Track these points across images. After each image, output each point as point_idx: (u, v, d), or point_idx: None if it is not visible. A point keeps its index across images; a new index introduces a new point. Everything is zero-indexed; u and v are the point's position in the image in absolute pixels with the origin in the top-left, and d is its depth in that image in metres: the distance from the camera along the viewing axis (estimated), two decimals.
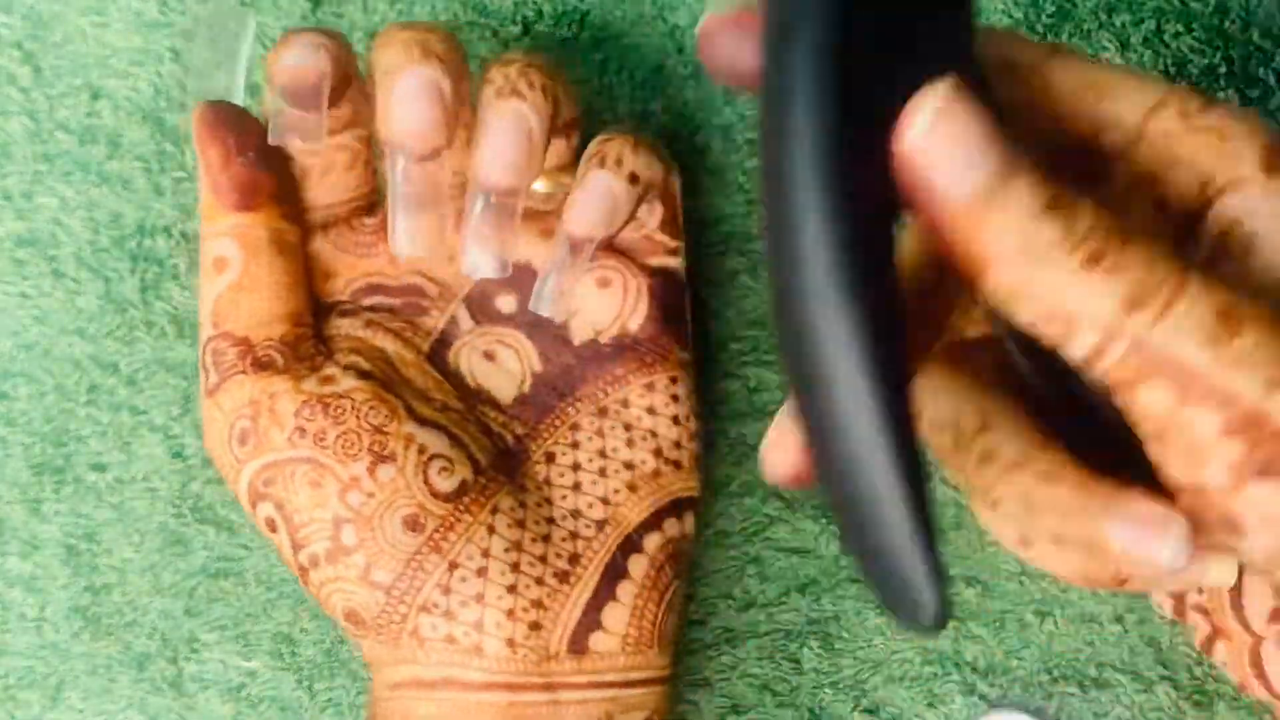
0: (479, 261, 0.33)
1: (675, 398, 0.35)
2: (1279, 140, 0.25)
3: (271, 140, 0.33)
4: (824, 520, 0.38)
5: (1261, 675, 0.32)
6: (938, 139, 0.22)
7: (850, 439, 0.21)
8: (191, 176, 0.39)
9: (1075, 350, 0.23)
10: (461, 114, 0.33)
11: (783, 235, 0.21)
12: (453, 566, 0.33)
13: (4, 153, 0.39)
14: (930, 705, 0.38)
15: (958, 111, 0.22)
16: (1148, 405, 0.23)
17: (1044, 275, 0.22)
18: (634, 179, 0.33)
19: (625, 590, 0.34)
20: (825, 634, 0.38)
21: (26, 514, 0.39)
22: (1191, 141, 0.25)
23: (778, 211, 0.21)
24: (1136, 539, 0.24)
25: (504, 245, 0.33)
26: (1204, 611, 0.33)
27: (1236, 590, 0.32)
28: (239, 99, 0.34)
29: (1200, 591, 0.33)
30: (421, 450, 0.33)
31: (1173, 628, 0.38)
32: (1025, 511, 0.25)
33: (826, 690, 0.38)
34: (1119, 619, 0.38)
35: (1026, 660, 0.38)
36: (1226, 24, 0.39)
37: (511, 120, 0.32)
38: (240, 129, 0.33)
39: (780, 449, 0.25)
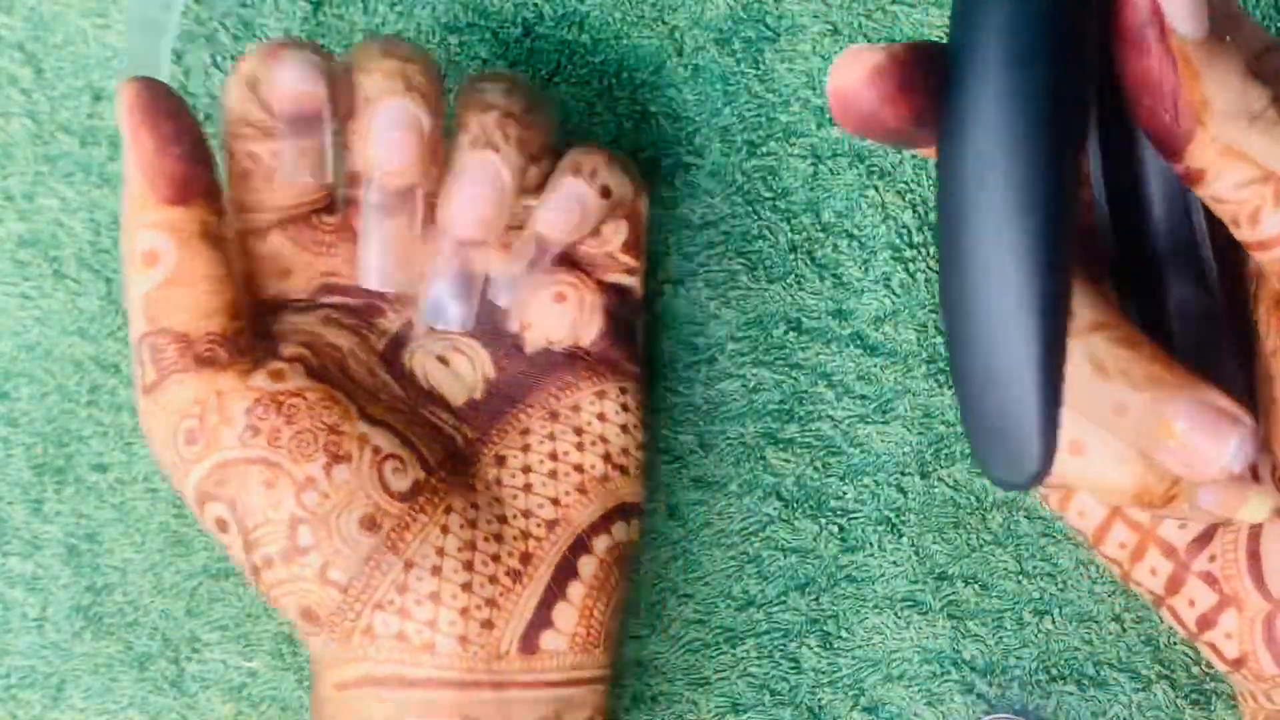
0: (443, 311, 0.34)
1: (625, 407, 0.36)
2: None
3: (280, 178, 0.33)
4: (823, 520, 0.39)
5: (1273, 642, 0.31)
6: None
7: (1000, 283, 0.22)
8: None
9: (1269, 227, 0.23)
10: (437, 151, 0.33)
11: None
12: (409, 565, 0.33)
13: (6, 154, 0.39)
14: (929, 704, 0.38)
15: None
16: None
17: (1259, 139, 0.23)
18: (606, 192, 0.34)
19: (575, 590, 0.34)
20: (824, 633, 0.38)
21: (28, 514, 0.39)
22: None
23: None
24: (1204, 426, 0.24)
25: (470, 299, 0.34)
26: (1211, 580, 0.32)
27: (1255, 556, 0.32)
28: (165, 75, 0.33)
29: (1212, 559, 0.32)
30: (376, 450, 0.33)
31: (1170, 627, 0.38)
32: (1094, 376, 0.25)
33: (825, 689, 0.38)
34: (1117, 618, 0.38)
35: (1025, 659, 0.38)
36: None
37: (484, 174, 0.33)
38: (176, 116, 0.32)
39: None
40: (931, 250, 0.39)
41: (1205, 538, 0.32)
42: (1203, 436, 0.24)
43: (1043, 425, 0.22)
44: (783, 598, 0.38)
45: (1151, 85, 0.23)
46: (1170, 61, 0.23)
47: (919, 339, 0.39)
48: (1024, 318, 0.22)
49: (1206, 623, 0.33)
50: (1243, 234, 0.25)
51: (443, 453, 0.35)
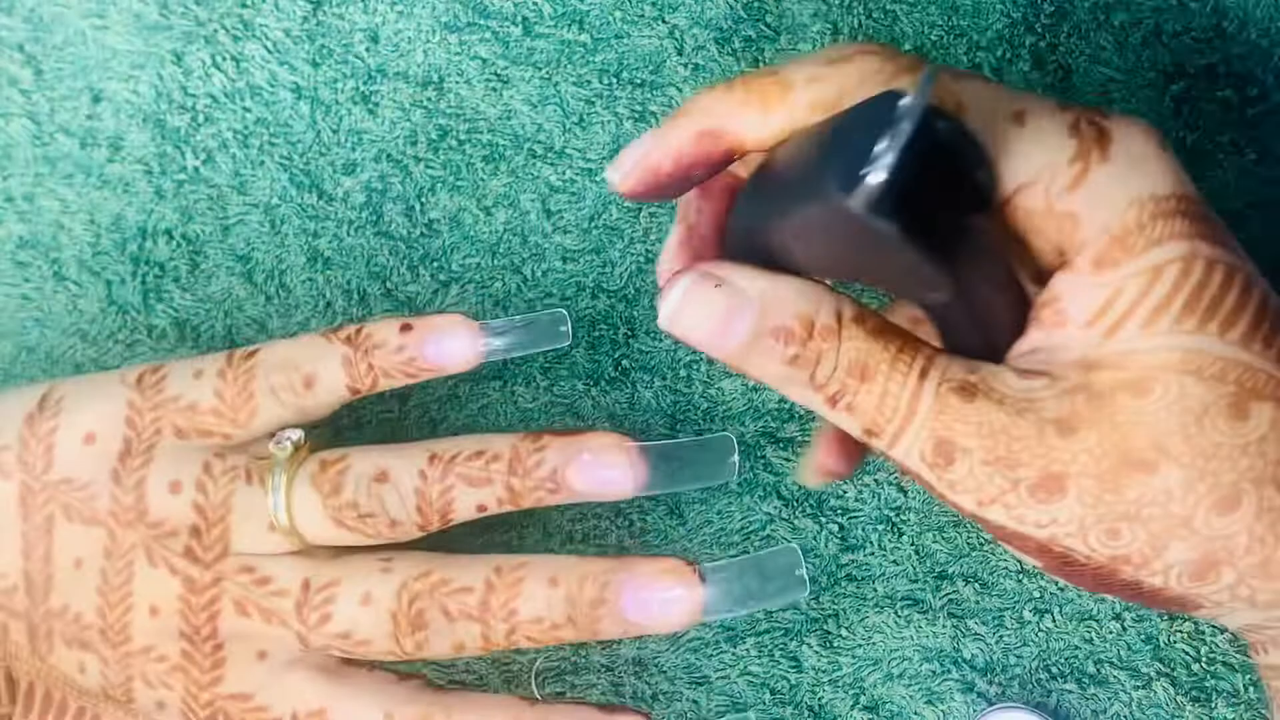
0: None
1: None
2: (1123, 232, 0.28)
3: None
4: (824, 519, 0.39)
5: None
6: (684, 318, 0.29)
7: None
8: (193, 179, 0.39)
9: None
10: None
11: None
12: None
13: (6, 155, 0.39)
14: (929, 703, 0.38)
15: (697, 297, 0.29)
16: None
17: (806, 400, 0.30)
18: None
19: None
20: (824, 632, 0.38)
21: None
22: (1046, 223, 0.29)
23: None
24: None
25: None
26: None
27: None
28: None
29: None
30: None
31: (1170, 625, 0.38)
32: None
33: (826, 688, 0.38)
34: (1117, 616, 0.38)
35: (1025, 658, 0.38)
36: (1225, 23, 0.39)
37: None
38: None
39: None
40: None
41: None
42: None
43: None
44: None
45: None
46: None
47: None
48: None
49: None
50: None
51: None
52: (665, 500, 0.39)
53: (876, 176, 0.25)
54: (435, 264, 0.39)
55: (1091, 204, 0.29)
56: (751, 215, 0.31)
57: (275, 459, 0.33)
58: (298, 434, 0.34)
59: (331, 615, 0.32)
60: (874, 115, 0.26)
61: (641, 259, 0.39)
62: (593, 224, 0.40)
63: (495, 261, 0.39)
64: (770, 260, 0.29)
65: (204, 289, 0.39)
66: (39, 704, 0.34)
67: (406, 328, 0.34)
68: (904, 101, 0.25)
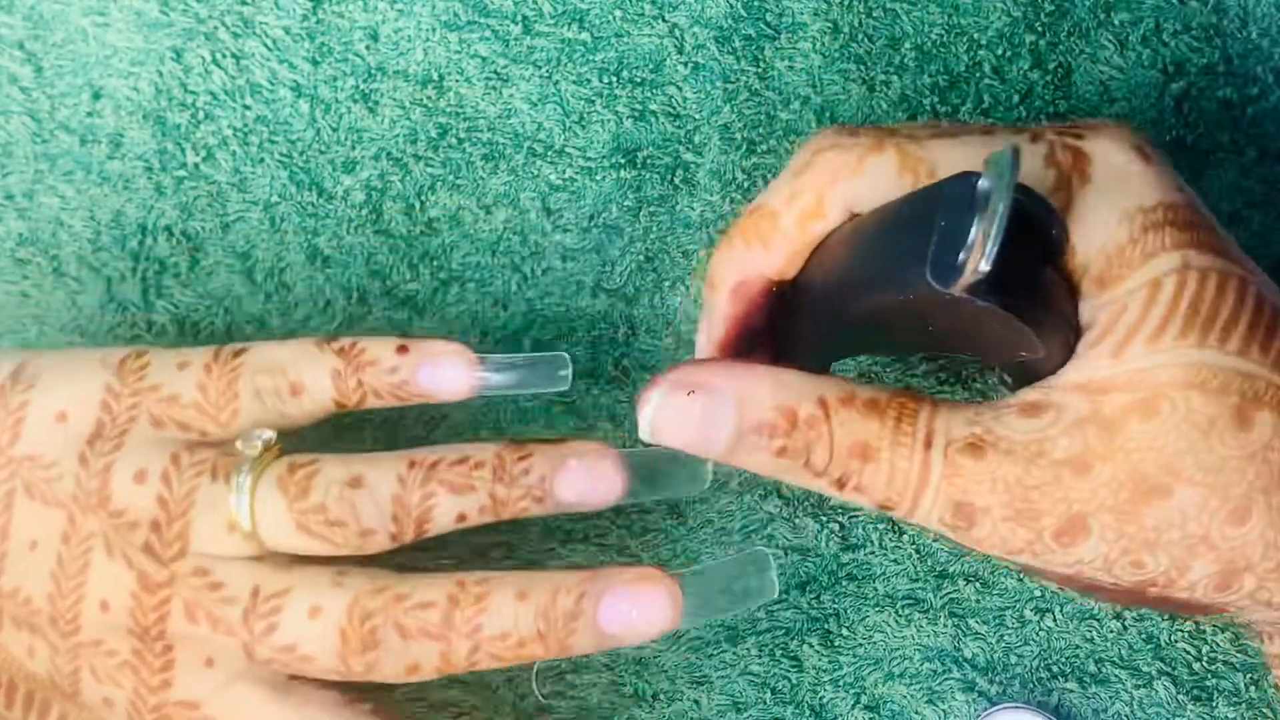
0: None
1: None
2: (1118, 249, 0.29)
3: None
4: (824, 518, 0.39)
5: None
6: (663, 430, 0.29)
7: None
8: (193, 176, 0.39)
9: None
10: None
11: None
12: None
13: (6, 152, 0.39)
14: (930, 702, 0.38)
15: (672, 407, 0.29)
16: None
17: (813, 486, 0.30)
18: None
19: None
20: (825, 631, 0.38)
21: None
22: None
23: None
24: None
25: None
26: None
27: None
28: None
29: None
30: None
31: (1171, 624, 0.38)
32: None
33: (827, 687, 0.38)
34: (1118, 615, 0.38)
35: (1026, 657, 0.38)
36: (1224, 22, 0.39)
37: None
38: None
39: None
40: None
41: None
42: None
43: None
44: (784, 596, 0.38)
45: None
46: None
47: None
48: None
49: None
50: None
51: None
52: (665, 499, 0.39)
53: (983, 265, 0.26)
54: (435, 262, 0.39)
55: (1084, 227, 0.29)
56: (827, 312, 0.31)
57: (244, 457, 0.32)
58: (269, 434, 0.33)
59: (278, 626, 0.31)
60: (954, 199, 0.27)
61: (641, 258, 0.39)
62: (592, 223, 0.40)
63: (495, 260, 0.39)
64: (854, 349, 0.31)
65: (204, 286, 0.39)
66: None
67: (403, 349, 0.33)
68: (982, 184, 0.26)
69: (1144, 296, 0.28)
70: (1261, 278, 0.29)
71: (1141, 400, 0.28)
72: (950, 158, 0.30)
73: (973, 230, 0.26)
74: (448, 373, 0.33)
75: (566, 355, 0.34)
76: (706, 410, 0.29)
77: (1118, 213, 0.29)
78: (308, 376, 0.33)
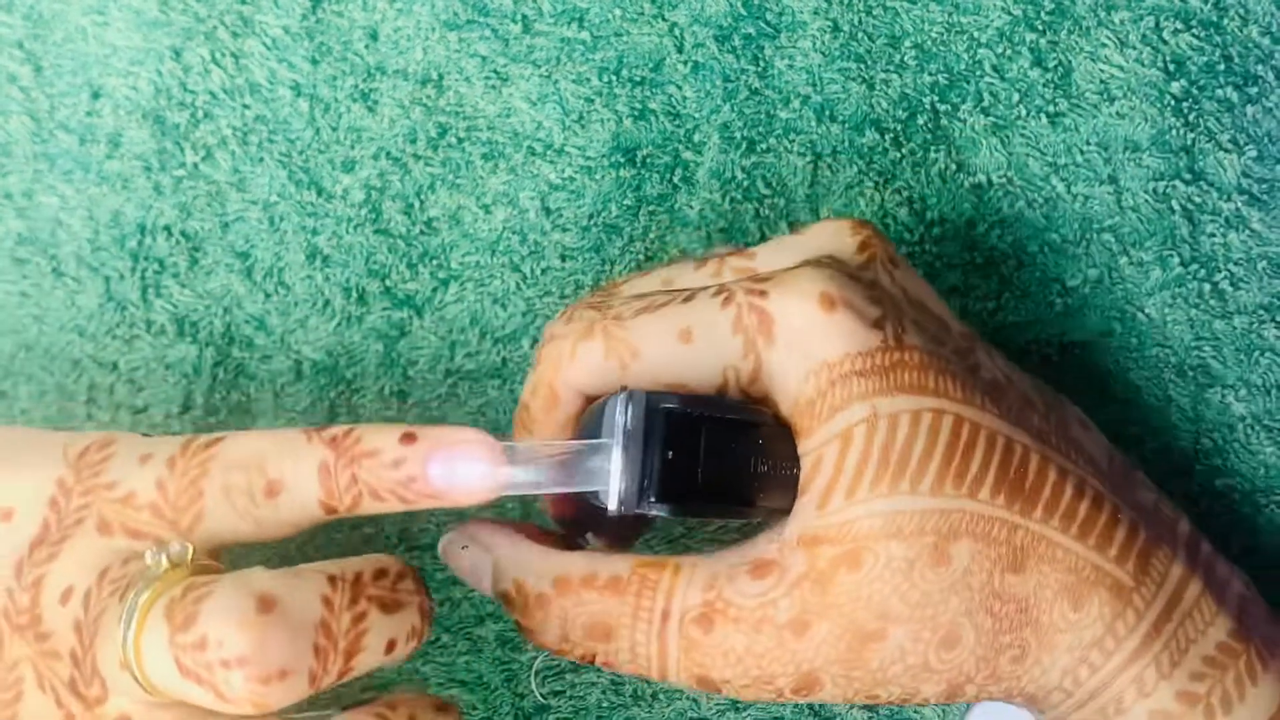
0: None
1: None
2: (806, 403, 0.30)
3: None
4: None
5: None
6: (450, 563, 0.33)
7: None
8: (192, 175, 0.39)
9: None
10: None
11: None
12: None
13: (4, 152, 0.39)
14: None
15: (451, 553, 0.32)
16: None
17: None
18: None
19: None
20: None
21: None
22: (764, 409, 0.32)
23: None
24: None
25: None
26: None
27: None
28: None
29: None
30: None
31: None
32: None
33: None
34: None
35: None
36: (1225, 21, 0.39)
37: None
38: None
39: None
40: (929, 247, 0.39)
41: None
42: None
43: None
44: None
45: None
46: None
47: None
48: None
49: None
50: None
51: None
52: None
53: (611, 505, 0.28)
54: (434, 262, 0.39)
55: (775, 384, 0.30)
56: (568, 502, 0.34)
57: (144, 574, 0.26)
58: (181, 546, 0.27)
59: None
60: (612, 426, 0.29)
61: (641, 257, 0.39)
62: (592, 222, 0.40)
63: (494, 259, 0.39)
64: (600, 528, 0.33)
65: (203, 285, 0.39)
66: None
67: (409, 437, 0.28)
68: (618, 419, 0.28)
69: (837, 448, 0.29)
70: (979, 395, 0.31)
71: (847, 553, 0.29)
72: (650, 334, 0.31)
73: (610, 471, 0.28)
74: (465, 468, 0.28)
75: (611, 442, 0.29)
76: (473, 564, 0.32)
77: (802, 371, 0.30)
78: (289, 472, 0.28)
